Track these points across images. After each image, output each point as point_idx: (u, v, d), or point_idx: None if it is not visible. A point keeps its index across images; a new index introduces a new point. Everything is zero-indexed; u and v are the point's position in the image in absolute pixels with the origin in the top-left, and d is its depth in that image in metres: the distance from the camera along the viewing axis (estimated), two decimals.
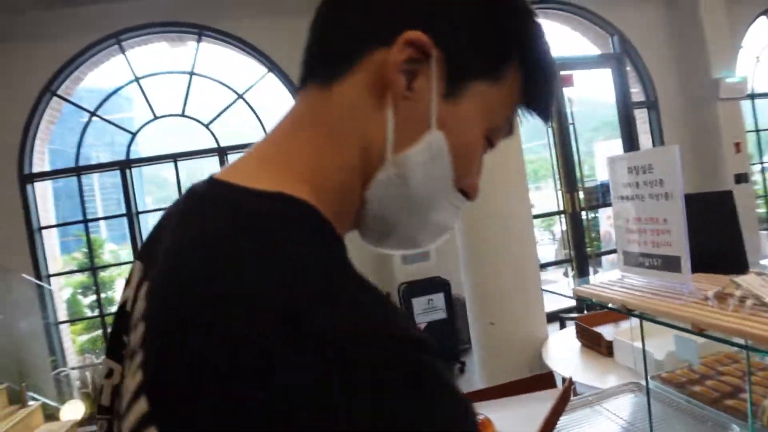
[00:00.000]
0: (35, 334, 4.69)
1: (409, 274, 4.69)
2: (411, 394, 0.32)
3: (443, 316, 4.51)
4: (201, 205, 0.44)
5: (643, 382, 1.64)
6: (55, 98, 4.85)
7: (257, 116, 5.23)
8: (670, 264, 1.16)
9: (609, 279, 1.41)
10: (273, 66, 5.10)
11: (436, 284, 4.56)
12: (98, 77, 5.37)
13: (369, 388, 0.31)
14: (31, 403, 4.18)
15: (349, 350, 0.32)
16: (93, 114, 5.12)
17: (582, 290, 1.38)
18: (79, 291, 7.32)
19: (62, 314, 5.08)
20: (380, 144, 0.45)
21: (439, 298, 4.51)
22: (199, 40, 5.09)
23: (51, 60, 4.73)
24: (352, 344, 0.32)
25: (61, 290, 5.44)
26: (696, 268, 1.33)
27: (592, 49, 6.32)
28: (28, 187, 4.74)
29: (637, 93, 6.22)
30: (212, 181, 0.45)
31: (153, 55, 5.64)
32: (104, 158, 22.12)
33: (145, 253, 0.49)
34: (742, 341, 0.93)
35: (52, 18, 4.69)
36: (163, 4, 4.86)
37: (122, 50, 4.99)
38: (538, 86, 0.51)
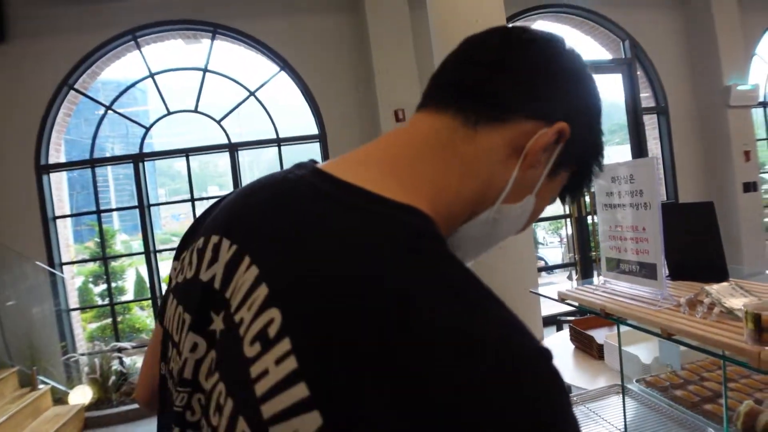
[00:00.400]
0: (47, 320, 4.82)
1: None
2: (565, 401, 0.37)
3: None
4: (329, 203, 0.46)
5: (628, 385, 1.69)
6: (72, 91, 4.97)
7: (268, 113, 5.31)
8: (647, 271, 1.21)
9: (594, 284, 1.46)
10: (285, 64, 5.17)
11: None
12: (114, 70, 5.48)
13: (542, 398, 0.35)
14: (41, 386, 4.31)
15: (526, 364, 0.36)
16: (108, 108, 5.23)
17: (566, 294, 1.43)
18: (91, 280, 7.46)
19: (73, 302, 5.21)
20: (496, 192, 0.53)
21: None
22: (213, 38, 5.18)
23: (69, 54, 4.85)
24: (526, 359, 0.36)
25: (74, 278, 5.57)
26: (678, 275, 1.38)
27: (603, 54, 6.33)
28: (44, 177, 4.86)
29: (647, 98, 6.21)
30: (331, 179, 0.48)
31: (168, 51, 5.73)
32: (119, 149, 22.36)
33: (228, 230, 0.51)
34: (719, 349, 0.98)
35: (71, 14, 4.81)
36: (179, 2, 4.96)
37: (138, 46, 5.10)
38: (581, 185, 0.62)
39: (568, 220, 5.23)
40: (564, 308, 4.81)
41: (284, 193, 0.50)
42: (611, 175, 1.31)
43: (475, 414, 0.33)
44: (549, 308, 3.05)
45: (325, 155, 5.21)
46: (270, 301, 0.40)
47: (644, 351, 1.99)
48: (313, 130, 5.31)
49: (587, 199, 5.18)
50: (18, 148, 4.76)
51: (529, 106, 0.52)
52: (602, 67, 6.10)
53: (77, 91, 5.02)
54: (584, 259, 5.21)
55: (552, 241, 13.52)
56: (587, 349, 2.29)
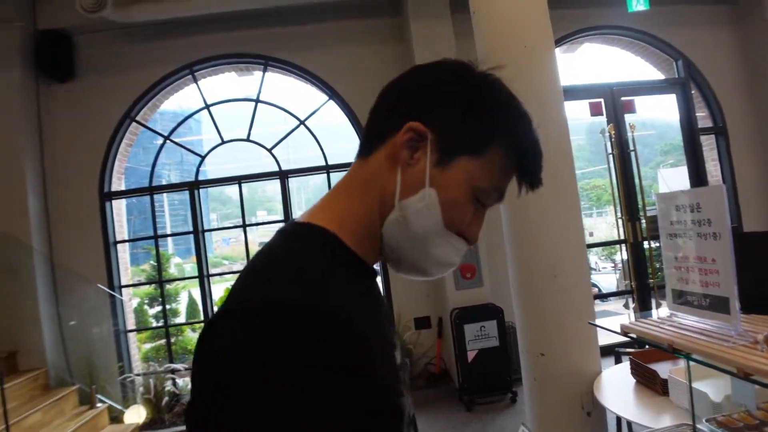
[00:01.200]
0: (106, 340, 5.02)
1: (461, 299, 4.66)
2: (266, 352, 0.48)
3: (495, 344, 4.43)
4: (278, 234, 0.67)
5: (698, 425, 1.59)
6: (133, 123, 5.26)
7: (317, 141, 5.43)
8: (718, 305, 1.15)
9: (659, 316, 1.39)
10: (333, 93, 5.30)
11: (489, 311, 4.51)
12: (171, 101, 5.77)
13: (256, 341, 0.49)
14: (99, 404, 4.47)
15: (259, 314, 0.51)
16: (167, 138, 5.49)
17: (630, 327, 1.37)
18: (146, 302, 7.73)
19: (130, 323, 5.41)
20: (392, 195, 0.65)
21: (491, 326, 4.45)
22: (264, 70, 5.38)
23: (132, 89, 5.16)
24: (265, 308, 0.51)
25: (130, 300, 5.80)
26: (751, 309, 1.30)
27: (655, 74, 6.16)
28: (107, 204, 5.13)
29: (703, 118, 5.97)
30: (290, 220, 0.70)
31: (222, 83, 5.99)
32: (174, 176, 23.29)
33: None
34: None
35: (133, 51, 5.13)
36: (233, 37, 5.20)
37: (195, 79, 5.36)
38: (522, 165, 0.68)
39: (623, 245, 5.04)
40: (620, 338, 4.61)
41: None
42: (675, 204, 1.25)
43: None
44: (604, 338, 2.92)
45: None
46: None
47: (713, 388, 1.87)
48: None
49: (643, 224, 4.99)
50: (84, 176, 5.06)
51: (395, 124, 0.65)
52: (655, 87, 5.94)
53: (138, 122, 5.30)
54: (641, 286, 4.99)
55: (605, 267, 13.03)
56: (650, 384, 2.18)
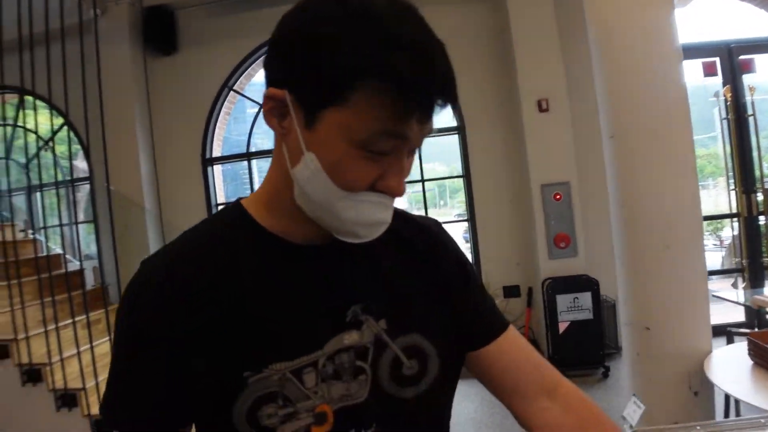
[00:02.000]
0: None
1: (554, 269, 4.53)
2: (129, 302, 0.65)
3: (589, 316, 4.28)
4: None
5: None
6: (231, 92, 5.51)
7: None
8: None
9: None
10: None
11: (584, 283, 4.35)
12: (260, 74, 5.95)
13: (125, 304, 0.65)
14: None
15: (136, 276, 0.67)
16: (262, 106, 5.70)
17: (764, 300, 1.27)
18: None
19: None
20: (287, 167, 0.62)
21: (585, 298, 4.29)
22: None
23: (228, 59, 5.37)
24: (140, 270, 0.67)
25: None
26: None
27: None
28: (209, 169, 5.46)
29: None
30: None
31: None
32: (262, 144, 24.34)
33: None
34: None
35: (230, 22, 5.32)
36: None
37: None
38: (401, 97, 0.54)
39: (735, 219, 4.63)
40: (730, 319, 4.30)
41: None
42: None
43: None
44: (714, 317, 2.73)
45: (464, 146, 5.16)
46: None
47: None
48: (452, 122, 5.28)
49: (759, 197, 4.55)
50: (188, 143, 5.41)
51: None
52: None
53: (236, 91, 5.55)
54: (753, 265, 4.59)
55: (706, 244, 12.06)
56: None
